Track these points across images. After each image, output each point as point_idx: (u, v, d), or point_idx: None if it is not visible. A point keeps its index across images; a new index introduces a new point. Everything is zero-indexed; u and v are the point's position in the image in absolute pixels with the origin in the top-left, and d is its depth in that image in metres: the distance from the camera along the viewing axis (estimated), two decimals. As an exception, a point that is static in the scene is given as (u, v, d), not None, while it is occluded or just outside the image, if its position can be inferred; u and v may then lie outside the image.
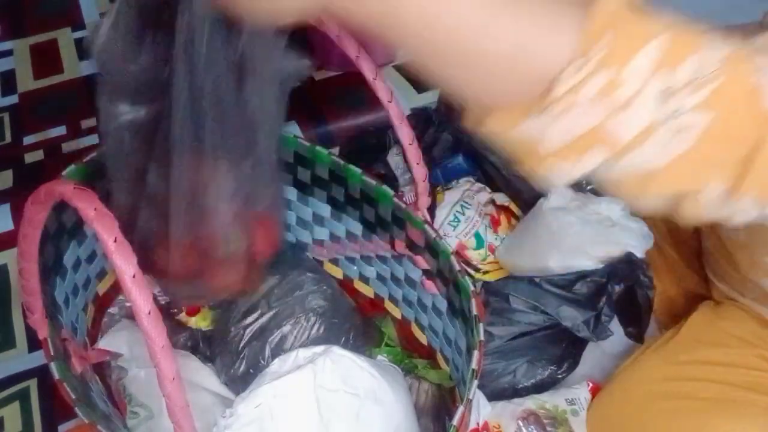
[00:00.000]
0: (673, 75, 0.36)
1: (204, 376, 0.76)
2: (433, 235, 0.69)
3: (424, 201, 0.69)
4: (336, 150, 1.09)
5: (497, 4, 0.36)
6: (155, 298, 0.41)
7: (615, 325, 0.87)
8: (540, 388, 0.81)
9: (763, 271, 0.71)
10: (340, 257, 0.87)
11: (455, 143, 0.97)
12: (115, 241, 0.40)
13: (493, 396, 0.80)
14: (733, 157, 0.37)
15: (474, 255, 0.91)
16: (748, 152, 0.36)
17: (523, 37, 0.37)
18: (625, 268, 0.80)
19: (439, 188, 0.96)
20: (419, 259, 0.74)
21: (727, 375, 0.72)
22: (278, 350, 0.76)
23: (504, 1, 0.37)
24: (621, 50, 0.36)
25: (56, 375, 0.57)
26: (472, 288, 0.65)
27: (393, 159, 0.97)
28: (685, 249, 0.93)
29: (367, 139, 1.03)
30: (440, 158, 0.95)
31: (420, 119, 1.00)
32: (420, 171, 0.64)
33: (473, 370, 0.58)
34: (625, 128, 0.36)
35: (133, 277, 0.40)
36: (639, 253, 0.80)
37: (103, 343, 0.73)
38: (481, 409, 0.77)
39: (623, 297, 0.80)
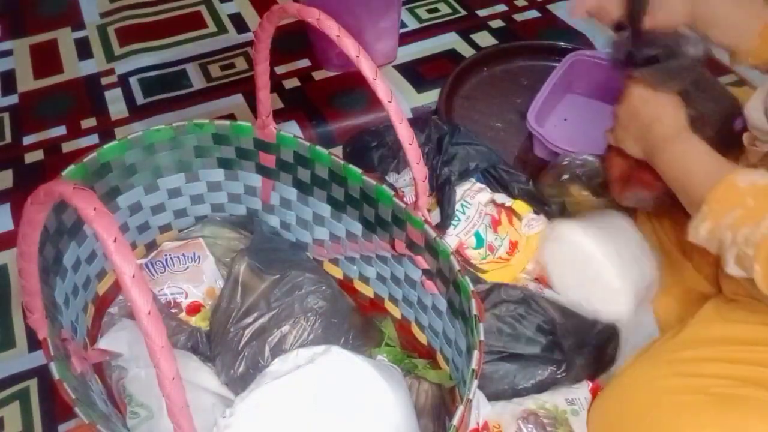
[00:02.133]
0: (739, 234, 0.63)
1: (204, 376, 0.76)
2: (433, 235, 0.69)
3: (424, 201, 0.69)
4: (336, 149, 1.10)
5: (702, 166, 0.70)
6: (155, 298, 0.41)
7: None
8: (540, 388, 0.81)
9: None
10: (340, 257, 0.87)
11: (471, 157, 0.97)
12: (115, 241, 0.40)
13: (493, 396, 0.80)
14: None
15: (474, 254, 0.91)
16: None
17: (696, 189, 0.69)
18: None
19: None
20: (419, 259, 0.74)
21: (734, 371, 0.71)
22: (278, 350, 0.76)
23: (701, 153, 0.71)
24: (719, 210, 0.65)
25: (56, 375, 0.57)
26: (471, 288, 0.65)
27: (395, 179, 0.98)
28: (689, 247, 0.93)
29: (367, 140, 1.03)
30: (460, 174, 0.96)
31: (433, 135, 1.00)
32: (420, 171, 0.64)
33: (473, 370, 0.58)
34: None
35: (133, 277, 0.40)
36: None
37: (103, 343, 0.73)
38: (481, 409, 0.77)
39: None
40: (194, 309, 0.85)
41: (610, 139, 0.85)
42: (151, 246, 0.88)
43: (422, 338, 0.81)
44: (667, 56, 0.77)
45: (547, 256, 0.92)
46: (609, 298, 0.87)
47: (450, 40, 1.44)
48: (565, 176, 1.01)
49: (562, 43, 1.35)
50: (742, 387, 0.70)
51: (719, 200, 0.64)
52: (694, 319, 0.80)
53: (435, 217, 0.92)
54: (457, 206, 0.92)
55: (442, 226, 0.90)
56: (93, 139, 1.22)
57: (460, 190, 0.94)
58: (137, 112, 1.27)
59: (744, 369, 0.71)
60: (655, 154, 0.76)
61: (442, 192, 0.92)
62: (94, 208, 0.41)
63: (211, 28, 1.48)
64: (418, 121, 1.02)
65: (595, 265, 0.87)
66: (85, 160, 0.73)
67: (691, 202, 0.69)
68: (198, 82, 1.34)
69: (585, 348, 0.82)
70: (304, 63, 1.37)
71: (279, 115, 1.18)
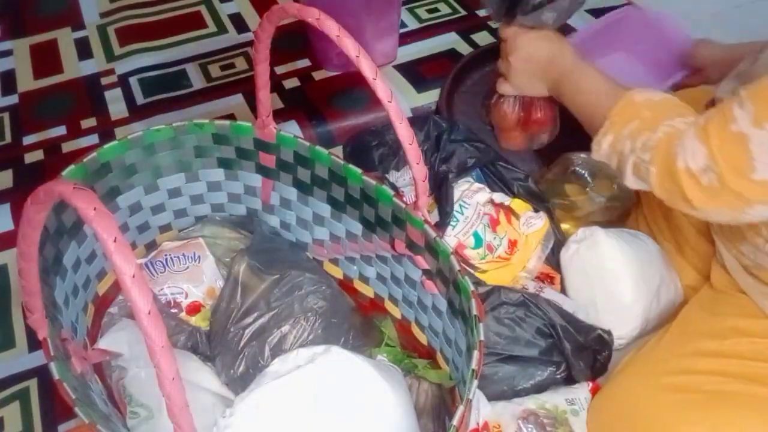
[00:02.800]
0: (637, 141, 0.68)
1: (204, 376, 0.76)
2: (433, 235, 0.69)
3: (424, 201, 0.69)
4: (336, 149, 1.10)
5: (595, 90, 0.79)
6: (155, 298, 0.41)
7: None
8: (539, 389, 0.82)
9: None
10: (340, 257, 0.87)
11: (469, 154, 0.97)
12: (115, 241, 0.40)
13: (493, 396, 0.80)
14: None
15: (473, 254, 0.91)
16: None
17: (597, 109, 0.76)
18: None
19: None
20: (419, 259, 0.74)
21: (724, 366, 0.72)
22: (278, 350, 0.76)
23: (597, 78, 0.80)
24: (619, 123, 0.71)
25: (56, 375, 0.57)
26: (471, 288, 0.65)
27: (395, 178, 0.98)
28: (683, 242, 0.93)
29: (368, 139, 1.03)
30: (458, 171, 0.96)
31: (432, 133, 1.00)
32: (420, 171, 0.64)
33: (473, 370, 0.58)
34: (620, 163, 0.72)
35: (133, 277, 0.40)
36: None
37: (103, 343, 0.73)
38: (481, 409, 0.77)
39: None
40: (194, 309, 0.85)
41: (505, 90, 0.95)
42: (151, 246, 0.88)
43: (422, 338, 0.81)
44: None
45: (569, 256, 0.92)
46: (618, 313, 0.88)
47: (450, 40, 1.44)
48: (567, 171, 1.02)
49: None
50: (732, 383, 0.71)
51: (619, 114, 0.71)
52: (680, 315, 0.81)
53: (434, 216, 0.92)
54: (456, 207, 0.92)
55: (440, 224, 0.90)
56: (93, 139, 1.22)
57: (459, 190, 0.94)
58: (137, 112, 1.27)
59: (732, 363, 0.73)
60: (559, 87, 0.85)
61: (440, 190, 0.92)
62: (94, 208, 0.41)
63: (211, 28, 1.48)
64: (417, 119, 1.02)
65: (615, 278, 0.88)
66: (85, 160, 0.73)
67: (594, 124, 0.75)
68: (198, 82, 1.34)
69: (584, 351, 0.82)
70: (304, 63, 1.37)
71: (279, 115, 1.18)
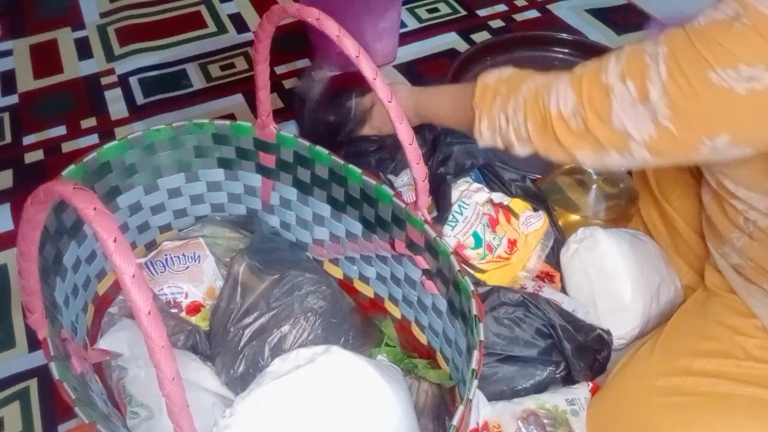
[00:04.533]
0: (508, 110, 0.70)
1: (204, 376, 0.76)
2: (433, 235, 0.69)
3: (424, 201, 0.69)
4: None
5: (451, 110, 0.82)
6: (155, 298, 0.41)
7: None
8: (539, 388, 0.82)
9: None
10: (340, 257, 0.87)
11: (467, 156, 0.97)
12: (115, 241, 0.40)
13: (493, 396, 0.80)
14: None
15: (472, 254, 0.91)
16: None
17: (461, 110, 0.77)
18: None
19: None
20: (419, 259, 0.74)
21: (718, 367, 0.73)
22: (278, 350, 0.76)
23: (450, 107, 0.82)
24: (485, 106, 0.73)
25: (56, 375, 0.57)
26: (471, 288, 0.65)
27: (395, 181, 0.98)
28: (679, 242, 0.93)
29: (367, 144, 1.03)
30: (455, 173, 0.96)
31: (428, 135, 1.00)
32: (420, 171, 0.64)
33: (473, 370, 0.58)
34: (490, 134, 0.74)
35: (133, 277, 0.40)
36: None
37: (103, 343, 0.73)
38: (481, 409, 0.77)
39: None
40: (194, 309, 0.85)
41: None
42: (151, 246, 0.88)
43: (422, 338, 0.81)
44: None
45: (569, 256, 0.92)
46: (618, 313, 0.88)
47: (450, 40, 1.44)
48: (568, 170, 1.02)
49: (564, 35, 1.36)
50: (726, 384, 0.71)
51: (481, 98, 0.73)
52: (675, 316, 0.82)
53: (432, 217, 0.92)
54: (455, 207, 0.92)
55: (438, 224, 0.90)
56: (93, 139, 1.22)
57: (458, 190, 0.94)
58: (137, 112, 1.27)
59: (726, 364, 0.73)
60: (420, 115, 0.87)
61: (438, 192, 0.92)
62: (94, 208, 0.40)
63: (211, 28, 1.48)
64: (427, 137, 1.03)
65: (615, 278, 0.88)
66: (85, 160, 0.73)
67: (467, 121, 0.76)
68: (198, 82, 1.34)
69: (584, 351, 0.82)
70: (304, 63, 1.37)
71: (279, 115, 1.18)
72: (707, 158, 0.59)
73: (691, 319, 0.81)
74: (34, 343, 0.92)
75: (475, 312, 0.63)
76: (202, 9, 1.53)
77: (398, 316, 0.84)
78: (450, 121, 0.84)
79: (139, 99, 1.30)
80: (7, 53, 1.42)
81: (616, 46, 1.41)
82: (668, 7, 1.41)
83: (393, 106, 0.60)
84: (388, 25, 1.31)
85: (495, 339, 0.81)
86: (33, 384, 0.88)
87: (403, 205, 0.72)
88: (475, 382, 0.58)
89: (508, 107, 0.70)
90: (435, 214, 0.92)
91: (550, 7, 1.54)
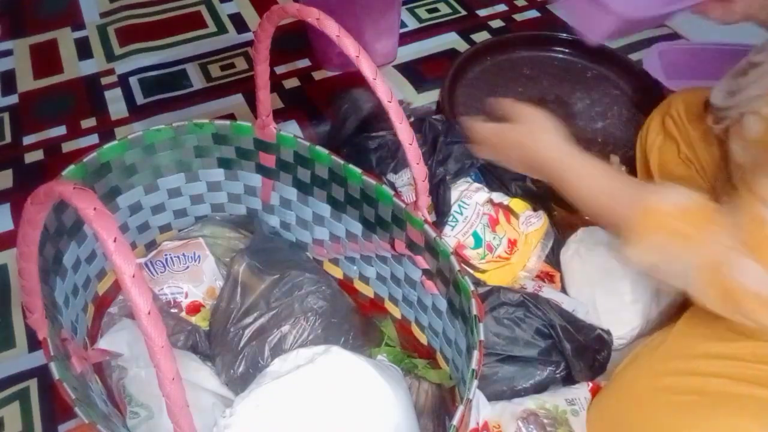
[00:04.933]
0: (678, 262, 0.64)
1: (204, 376, 0.76)
2: (433, 235, 0.69)
3: (424, 201, 0.69)
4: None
5: (594, 176, 0.70)
6: (155, 298, 0.41)
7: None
8: (539, 388, 0.82)
9: None
10: (340, 257, 0.87)
11: (466, 156, 0.97)
12: (115, 241, 0.40)
13: (493, 396, 0.80)
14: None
15: (472, 254, 0.91)
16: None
17: (608, 212, 0.69)
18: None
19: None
20: (419, 259, 0.74)
21: (728, 368, 0.72)
22: (277, 350, 0.76)
23: (598, 173, 0.70)
24: (645, 234, 0.64)
25: (56, 375, 0.57)
26: (471, 288, 0.65)
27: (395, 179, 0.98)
28: None
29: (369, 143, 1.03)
30: (455, 173, 0.96)
31: (428, 135, 1.00)
32: (420, 171, 0.64)
33: (473, 370, 0.58)
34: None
35: (133, 277, 0.40)
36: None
37: (103, 343, 0.73)
38: (481, 409, 0.77)
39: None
40: (194, 309, 0.85)
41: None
42: (151, 246, 0.88)
43: (422, 338, 0.81)
44: None
45: (569, 256, 0.92)
46: (618, 313, 0.88)
47: (450, 40, 1.44)
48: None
49: (564, 34, 1.36)
50: (735, 385, 0.71)
51: (643, 223, 0.64)
52: (684, 317, 0.81)
53: (432, 218, 0.92)
54: (455, 207, 0.92)
55: (438, 225, 0.90)
56: (93, 139, 1.22)
57: (458, 190, 0.94)
58: (137, 112, 1.27)
59: (736, 366, 0.72)
60: (550, 180, 0.74)
61: (437, 192, 0.92)
62: (94, 208, 0.40)
63: (211, 28, 1.48)
64: (414, 121, 1.03)
65: (615, 278, 0.88)
66: (85, 160, 0.73)
67: (608, 225, 0.70)
68: (198, 82, 1.34)
69: (584, 351, 0.82)
70: (304, 63, 1.38)
71: (279, 115, 1.18)
72: None
73: (702, 321, 0.79)
74: (34, 343, 0.92)
75: (475, 312, 0.63)
76: (202, 9, 1.53)
77: (398, 316, 0.84)
78: (580, 206, 0.73)
79: (139, 99, 1.30)
80: (7, 53, 1.42)
81: (616, 46, 1.40)
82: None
83: (393, 106, 0.60)
84: (388, 25, 1.31)
85: (495, 339, 0.81)
86: (33, 384, 0.88)
87: (403, 205, 0.72)
88: (475, 382, 0.58)
89: (675, 257, 0.64)
90: (434, 215, 0.92)
91: (550, 7, 1.54)
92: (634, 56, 1.35)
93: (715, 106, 0.80)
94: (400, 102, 1.08)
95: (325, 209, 0.83)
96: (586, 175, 0.71)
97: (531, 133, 0.75)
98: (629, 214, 0.65)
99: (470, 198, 0.93)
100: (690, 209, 0.64)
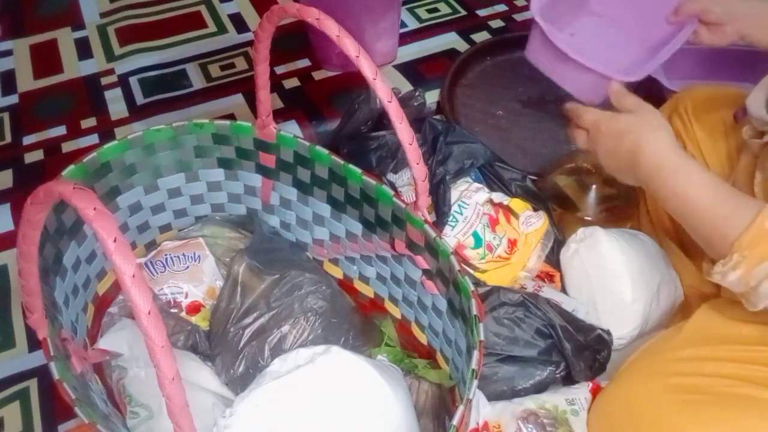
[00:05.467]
0: None
1: (204, 376, 0.76)
2: (433, 235, 0.69)
3: (424, 201, 0.69)
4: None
5: (702, 186, 0.65)
6: (155, 298, 0.41)
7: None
8: (539, 388, 0.82)
9: None
10: (340, 257, 0.87)
11: (466, 155, 0.97)
12: (115, 241, 0.40)
13: (493, 396, 0.80)
14: None
15: (472, 254, 0.91)
16: None
17: (711, 229, 0.65)
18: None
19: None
20: (419, 259, 0.74)
21: (736, 370, 0.71)
22: (277, 350, 0.76)
23: (704, 183, 0.65)
24: (752, 258, 0.61)
25: (56, 375, 0.57)
26: (471, 288, 0.65)
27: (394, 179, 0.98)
28: (690, 245, 0.93)
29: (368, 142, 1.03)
30: (455, 173, 0.96)
31: (428, 135, 1.00)
32: (420, 171, 0.64)
33: (473, 370, 0.58)
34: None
35: (133, 277, 0.40)
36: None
37: (103, 343, 0.73)
38: (481, 408, 0.77)
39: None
40: (194, 309, 0.85)
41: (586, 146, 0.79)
42: (151, 246, 0.88)
43: (422, 338, 0.81)
44: None
45: (569, 256, 0.92)
46: (618, 313, 0.88)
47: (450, 40, 1.44)
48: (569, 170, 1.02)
49: (563, 34, 1.36)
50: (744, 386, 0.70)
51: (751, 247, 0.61)
52: (693, 317, 0.80)
53: (431, 218, 0.92)
54: (455, 207, 0.92)
55: (438, 225, 0.90)
56: (93, 139, 1.22)
57: (458, 190, 0.94)
58: (137, 112, 1.27)
59: (746, 368, 0.71)
60: (651, 187, 0.70)
61: (437, 192, 0.92)
62: (94, 208, 0.40)
63: (211, 28, 1.48)
64: (414, 121, 1.03)
65: (615, 278, 0.88)
66: (85, 160, 0.73)
67: (708, 242, 0.66)
68: (198, 82, 1.34)
69: (584, 351, 0.82)
70: (304, 63, 1.37)
71: (279, 115, 1.18)
72: None
73: (712, 323, 0.78)
74: (34, 343, 0.92)
75: (475, 312, 0.63)
76: (202, 9, 1.53)
77: (398, 316, 0.84)
78: (679, 218, 0.69)
79: (139, 99, 1.30)
80: (7, 53, 1.42)
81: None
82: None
83: (393, 106, 0.60)
84: (388, 25, 1.31)
85: (495, 339, 0.81)
86: (33, 384, 0.88)
87: (403, 205, 0.72)
88: (475, 382, 0.58)
89: None
90: (433, 215, 0.92)
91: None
92: (634, 56, 1.35)
93: (754, 116, 0.75)
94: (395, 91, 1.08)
95: (325, 209, 0.83)
96: (694, 184, 0.66)
97: (642, 126, 0.71)
98: (739, 234, 0.61)
99: (470, 198, 0.93)
100: None
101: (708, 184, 0.66)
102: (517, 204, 0.95)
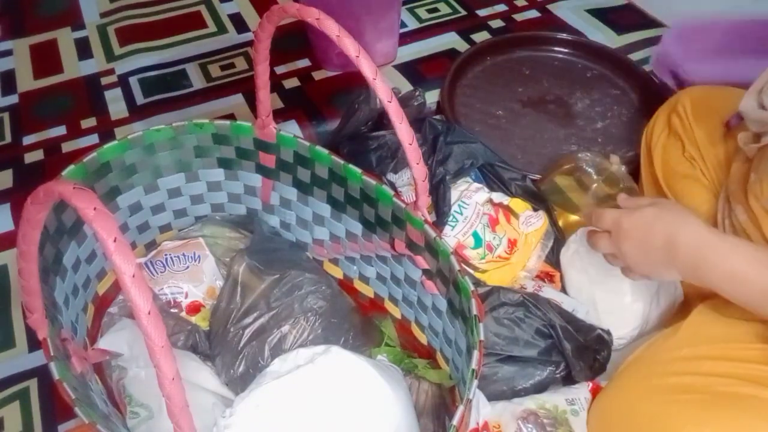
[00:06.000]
0: None
1: (204, 376, 0.76)
2: (433, 235, 0.69)
3: (424, 201, 0.69)
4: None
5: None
6: (155, 298, 0.41)
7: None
8: (539, 388, 0.82)
9: None
10: (340, 257, 0.87)
11: (466, 155, 0.97)
12: (115, 241, 0.40)
13: (493, 396, 0.80)
14: None
15: (472, 254, 0.91)
16: None
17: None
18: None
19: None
20: (419, 259, 0.74)
21: (734, 369, 0.71)
22: (277, 350, 0.76)
23: (759, 259, 0.62)
24: None
25: (56, 375, 0.57)
26: (471, 288, 0.65)
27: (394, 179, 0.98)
28: None
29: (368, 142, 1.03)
30: (455, 173, 0.96)
31: (428, 135, 1.00)
32: (420, 171, 0.64)
33: (473, 370, 0.58)
34: None
35: (133, 277, 0.40)
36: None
37: (103, 343, 0.73)
38: (481, 408, 0.77)
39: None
40: (194, 309, 0.85)
41: (633, 277, 0.76)
42: (151, 246, 0.88)
43: (422, 338, 0.81)
44: None
45: (569, 256, 0.92)
46: (618, 313, 0.88)
47: (450, 40, 1.44)
48: (570, 170, 1.02)
49: (564, 35, 1.36)
50: (742, 385, 0.70)
51: None
52: (690, 317, 0.80)
53: (431, 218, 0.92)
54: (455, 207, 0.92)
55: (438, 224, 0.90)
56: (93, 139, 1.22)
57: (458, 190, 0.94)
58: (137, 112, 1.27)
59: (743, 366, 0.71)
60: (695, 274, 0.67)
61: (437, 192, 0.93)
62: (94, 208, 0.40)
63: (211, 28, 1.48)
64: (414, 121, 1.03)
65: (615, 278, 0.87)
66: (85, 160, 0.73)
67: (761, 308, 0.64)
68: (198, 82, 1.34)
69: (584, 351, 0.82)
70: (304, 63, 1.37)
71: (279, 115, 1.18)
72: None
73: (710, 321, 0.78)
74: (34, 343, 0.92)
75: (475, 312, 0.63)
76: (202, 9, 1.53)
77: (398, 316, 0.84)
78: (734, 299, 0.66)
79: (139, 99, 1.30)
80: (7, 53, 1.42)
81: (616, 46, 1.40)
82: (667, 8, 1.41)
83: (393, 106, 0.60)
84: (388, 25, 1.31)
85: (495, 339, 0.81)
86: (33, 384, 0.88)
87: (403, 205, 0.72)
88: (475, 382, 0.58)
89: None
90: (433, 215, 0.93)
91: (550, 7, 1.54)
92: (634, 56, 1.35)
93: (752, 118, 0.75)
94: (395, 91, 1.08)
95: (325, 209, 0.83)
96: (750, 261, 0.63)
97: (670, 212, 0.68)
98: None
99: (470, 198, 0.93)
100: None
101: (764, 258, 0.63)
102: (517, 204, 0.95)
